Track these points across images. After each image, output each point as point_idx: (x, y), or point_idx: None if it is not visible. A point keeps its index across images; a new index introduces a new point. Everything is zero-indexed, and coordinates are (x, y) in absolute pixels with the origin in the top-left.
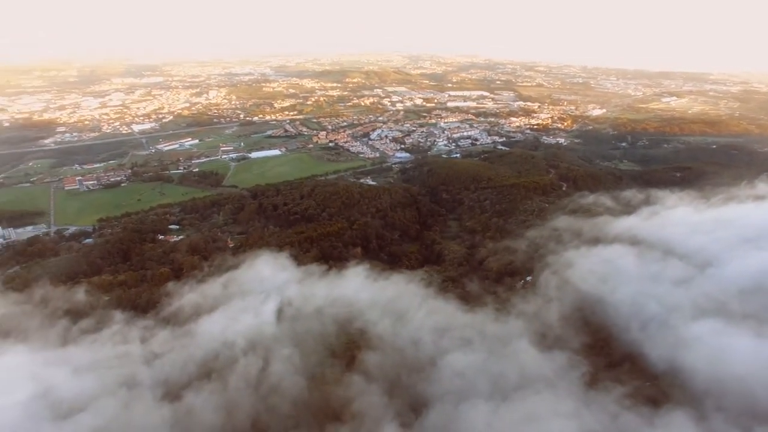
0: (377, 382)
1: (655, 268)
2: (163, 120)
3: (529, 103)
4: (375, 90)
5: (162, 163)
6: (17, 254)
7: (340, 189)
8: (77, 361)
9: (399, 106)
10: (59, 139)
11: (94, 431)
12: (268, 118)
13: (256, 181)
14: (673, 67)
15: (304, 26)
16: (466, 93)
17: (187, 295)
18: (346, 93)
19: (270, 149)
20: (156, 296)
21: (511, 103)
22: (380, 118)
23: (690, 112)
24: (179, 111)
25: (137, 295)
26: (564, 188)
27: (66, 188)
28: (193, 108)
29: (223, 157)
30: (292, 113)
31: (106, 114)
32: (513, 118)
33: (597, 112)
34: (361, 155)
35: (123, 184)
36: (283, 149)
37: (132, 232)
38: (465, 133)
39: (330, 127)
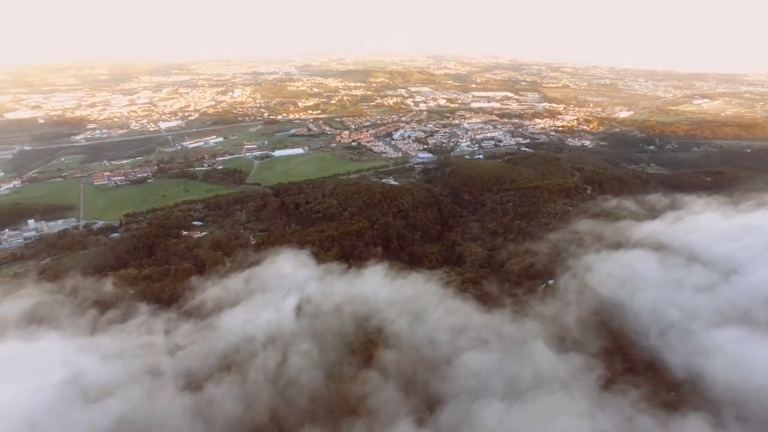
0: (393, 378)
1: (677, 274)
2: (189, 118)
3: (554, 105)
4: (398, 90)
5: (187, 160)
6: (49, 246)
7: (362, 188)
8: (105, 349)
9: (422, 106)
10: (89, 136)
11: (120, 416)
12: (291, 116)
13: (279, 180)
14: (706, 68)
15: (329, 26)
16: (490, 94)
17: (209, 290)
18: (369, 93)
19: (293, 148)
20: (179, 290)
21: (536, 104)
22: (403, 118)
23: (723, 114)
24: (205, 109)
25: (161, 289)
26: (588, 191)
27: (95, 183)
28: (219, 106)
29: (247, 155)
30: (315, 112)
31: (135, 111)
32: (537, 120)
33: (624, 114)
34: (384, 155)
35: (149, 181)
36: (306, 148)
37: (157, 227)
38: (488, 134)
39: (353, 126)
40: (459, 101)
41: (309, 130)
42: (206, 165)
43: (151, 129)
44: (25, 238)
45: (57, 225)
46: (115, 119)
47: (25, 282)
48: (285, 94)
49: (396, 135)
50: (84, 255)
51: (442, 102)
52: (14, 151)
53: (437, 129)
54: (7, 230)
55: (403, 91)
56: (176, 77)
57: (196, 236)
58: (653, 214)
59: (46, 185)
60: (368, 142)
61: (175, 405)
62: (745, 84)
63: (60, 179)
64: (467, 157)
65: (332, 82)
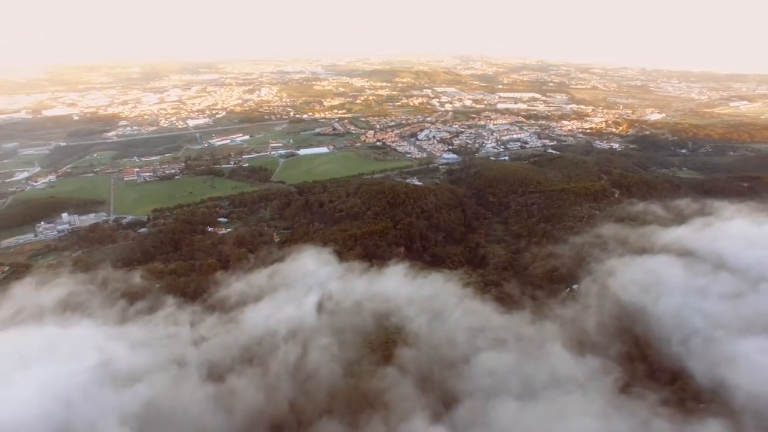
0: (411, 375)
1: (702, 281)
2: (217, 116)
3: (582, 106)
4: (424, 90)
5: (214, 158)
6: (80, 239)
7: (386, 188)
8: (134, 338)
9: (448, 106)
10: (121, 133)
11: (147, 401)
12: (317, 116)
13: (304, 178)
14: (745, 69)
15: (357, 26)
16: (517, 95)
17: (233, 285)
18: (395, 92)
19: (318, 147)
20: (203, 285)
21: (564, 105)
22: (428, 119)
23: (763, 117)
24: (232, 107)
25: (186, 283)
26: (616, 195)
27: (125, 179)
28: (245, 105)
29: (272, 153)
30: (341, 112)
31: (164, 109)
32: (565, 122)
33: (655, 116)
34: (408, 155)
35: (177, 177)
36: (331, 147)
37: (183, 223)
38: (514, 136)
39: (378, 126)
40: (485, 102)
41: (334, 129)
42: (232, 162)
43: (180, 126)
44: (58, 231)
45: (88, 219)
46: (145, 117)
47: (60, 272)
48: (311, 93)
49: (421, 135)
50: (113, 248)
51: (468, 102)
52: (50, 147)
53: (462, 130)
54: (42, 223)
55: (428, 92)
56: (205, 76)
57: (221, 233)
58: (681, 219)
59: (79, 180)
60: (393, 142)
61: (199, 394)
62: None
63: (92, 174)
64: (492, 158)
65: (358, 82)
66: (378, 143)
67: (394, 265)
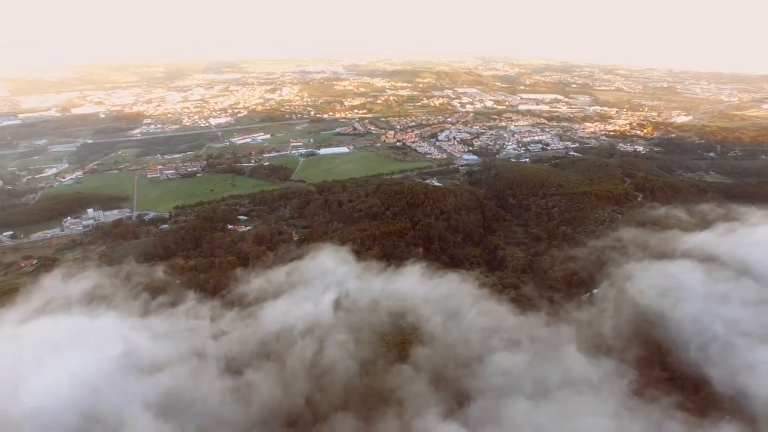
0: (425, 373)
1: (724, 287)
2: (238, 115)
3: (605, 108)
4: (445, 91)
5: (235, 156)
6: (104, 234)
7: (405, 189)
8: (156, 330)
9: (469, 107)
10: (145, 130)
11: (168, 390)
12: (337, 115)
13: (323, 177)
14: None
15: (378, 26)
16: (539, 96)
17: (252, 282)
18: (416, 93)
19: (338, 146)
20: (223, 282)
21: (587, 107)
22: (449, 119)
23: None
24: (253, 106)
25: (206, 280)
26: (639, 199)
27: (148, 176)
28: (267, 104)
29: (293, 152)
30: (361, 112)
31: (187, 108)
32: (587, 124)
33: (682, 119)
34: (428, 156)
35: (198, 175)
36: (351, 147)
37: (204, 220)
38: (536, 138)
39: (398, 126)
40: (506, 103)
41: (354, 129)
42: (253, 161)
43: (202, 125)
44: (84, 226)
45: (112, 215)
46: (169, 115)
47: (85, 266)
48: (332, 93)
49: (441, 136)
50: (136, 244)
51: (489, 104)
52: (78, 144)
53: (483, 131)
54: (69, 218)
55: (449, 92)
56: (227, 75)
57: (241, 230)
58: (705, 224)
59: (104, 176)
60: (413, 142)
61: (218, 385)
62: None
63: (117, 171)
64: (513, 160)
65: (379, 82)
66: (398, 143)
67: (411, 265)
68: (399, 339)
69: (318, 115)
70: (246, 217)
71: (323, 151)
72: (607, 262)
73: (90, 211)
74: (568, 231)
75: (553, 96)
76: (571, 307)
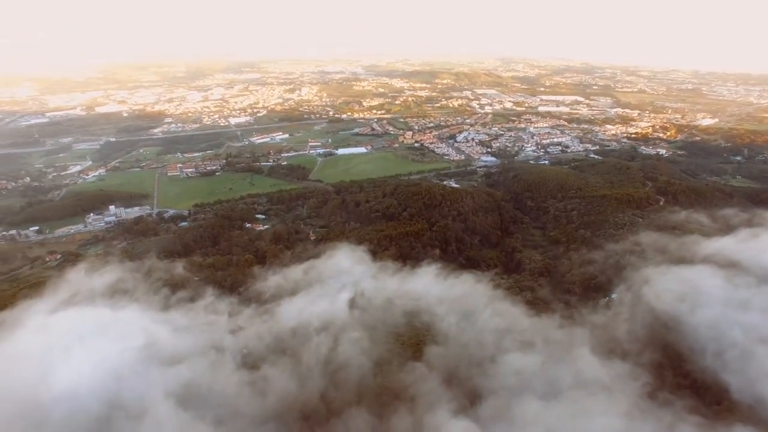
0: (437, 371)
1: (745, 294)
2: (258, 114)
3: (627, 110)
4: (464, 92)
5: (254, 155)
6: (126, 231)
7: (423, 190)
8: (176, 324)
9: (488, 108)
10: (166, 129)
11: (187, 381)
12: (356, 116)
13: (341, 177)
14: None
15: (398, 27)
16: (559, 98)
17: (269, 279)
18: (434, 94)
19: (356, 147)
20: (240, 279)
21: (608, 109)
22: (468, 121)
23: None
24: (273, 106)
25: (223, 277)
26: (661, 203)
27: (168, 174)
28: (286, 104)
29: (311, 152)
30: (379, 112)
31: (207, 107)
32: (608, 126)
33: (707, 121)
34: (446, 157)
35: (217, 173)
36: (369, 147)
37: (222, 218)
38: (555, 140)
39: (416, 127)
40: (526, 105)
41: (372, 129)
42: (271, 160)
43: (222, 124)
44: (106, 222)
45: (133, 212)
46: (189, 114)
47: (108, 261)
48: (350, 93)
49: (459, 137)
50: (155, 241)
51: (509, 105)
52: (101, 142)
53: (502, 132)
54: (92, 214)
55: (468, 93)
56: (247, 75)
57: (259, 229)
58: (727, 229)
59: (126, 174)
60: (431, 143)
61: (234, 379)
62: None
63: (138, 169)
64: (532, 162)
65: (397, 83)
66: (416, 144)
67: (426, 266)
68: (413, 338)
69: (336, 116)
70: (264, 216)
71: (341, 151)
72: (626, 267)
73: (112, 207)
74: (587, 234)
75: (573, 98)
76: (586, 310)
